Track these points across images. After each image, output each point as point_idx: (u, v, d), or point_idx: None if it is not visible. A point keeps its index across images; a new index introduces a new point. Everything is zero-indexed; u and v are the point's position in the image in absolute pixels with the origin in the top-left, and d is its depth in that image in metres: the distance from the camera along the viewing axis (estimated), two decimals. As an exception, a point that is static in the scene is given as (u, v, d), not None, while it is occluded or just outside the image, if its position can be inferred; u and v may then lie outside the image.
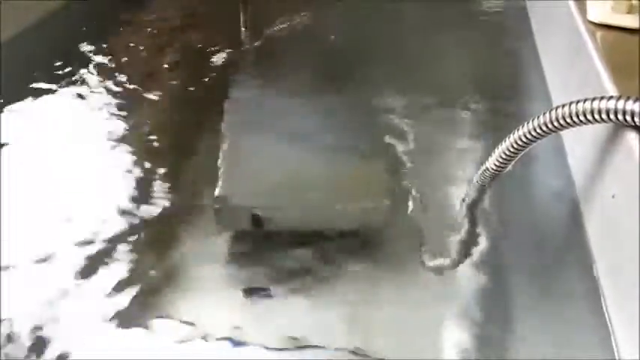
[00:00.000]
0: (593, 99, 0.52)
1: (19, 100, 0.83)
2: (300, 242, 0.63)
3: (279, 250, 0.62)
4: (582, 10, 0.75)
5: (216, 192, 0.68)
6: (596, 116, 0.51)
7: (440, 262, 0.61)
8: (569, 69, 0.75)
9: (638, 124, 0.49)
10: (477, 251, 0.62)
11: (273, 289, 0.58)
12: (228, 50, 0.97)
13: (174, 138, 0.79)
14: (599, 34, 0.70)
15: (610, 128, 0.55)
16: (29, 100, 0.84)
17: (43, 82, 0.87)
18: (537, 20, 1.02)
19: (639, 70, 0.61)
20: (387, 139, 0.78)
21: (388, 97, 0.85)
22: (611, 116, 0.50)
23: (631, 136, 0.52)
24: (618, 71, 0.62)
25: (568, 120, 0.54)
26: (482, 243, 0.63)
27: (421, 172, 0.72)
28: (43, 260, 0.60)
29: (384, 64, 0.95)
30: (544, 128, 0.56)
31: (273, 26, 1.04)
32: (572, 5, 0.77)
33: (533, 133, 0.57)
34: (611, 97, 0.51)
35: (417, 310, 0.56)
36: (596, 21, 0.72)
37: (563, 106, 0.54)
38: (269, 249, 0.62)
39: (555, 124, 0.55)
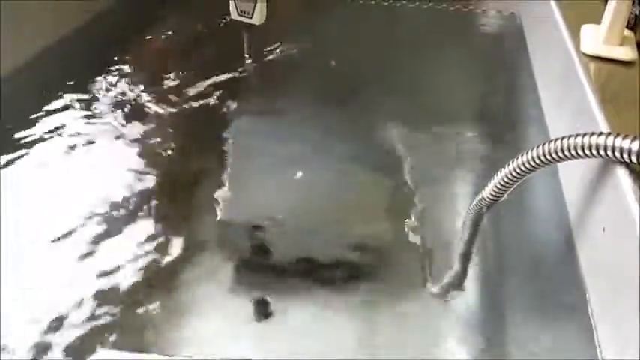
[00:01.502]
0: (584, 134, 0.53)
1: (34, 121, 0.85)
2: (303, 264, 0.64)
3: (282, 272, 0.64)
4: (576, 42, 0.77)
5: (219, 215, 0.70)
6: (587, 152, 0.53)
7: (437, 286, 0.63)
8: (563, 98, 0.77)
9: (627, 160, 0.51)
10: (473, 278, 0.63)
11: (275, 310, 0.59)
12: (230, 75, 0.99)
13: (177, 161, 0.80)
14: (592, 65, 0.72)
15: (602, 163, 0.57)
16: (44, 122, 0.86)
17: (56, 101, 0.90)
18: (534, 46, 1.04)
19: (639, 103, 0.63)
20: (388, 163, 0.79)
21: (388, 124, 0.87)
22: (601, 152, 0.52)
23: (621, 172, 0.53)
24: (610, 103, 0.64)
25: (560, 154, 0.55)
26: (479, 270, 0.64)
27: (420, 199, 0.74)
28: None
29: (384, 91, 0.97)
30: (537, 161, 0.58)
31: (275, 51, 1.06)
32: (567, 36, 0.79)
33: (527, 166, 0.59)
34: (601, 134, 0.52)
35: (416, 332, 0.58)
36: (589, 53, 0.74)
37: (557, 140, 0.56)
38: (272, 271, 0.64)
39: (548, 157, 0.56)
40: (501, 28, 1.18)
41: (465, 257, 0.66)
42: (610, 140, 0.51)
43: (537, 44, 1.02)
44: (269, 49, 1.07)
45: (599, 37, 0.74)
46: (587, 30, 0.78)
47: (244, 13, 0.94)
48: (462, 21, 1.21)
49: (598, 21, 0.77)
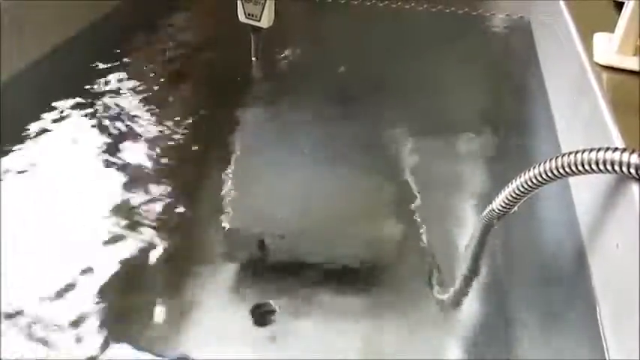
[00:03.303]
0: (599, 149, 0.53)
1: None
2: (309, 271, 0.64)
3: (287, 279, 0.63)
4: (589, 51, 0.76)
5: (224, 220, 0.69)
6: (601, 167, 0.52)
7: (445, 296, 0.62)
8: (575, 108, 0.76)
9: (640, 177, 0.50)
10: (483, 289, 0.63)
11: (279, 317, 0.59)
12: (237, 79, 0.99)
13: (182, 166, 0.80)
14: (605, 75, 0.71)
15: (615, 179, 0.56)
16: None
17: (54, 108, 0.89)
18: (544, 51, 1.03)
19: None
20: (396, 170, 0.79)
21: (394, 128, 0.87)
22: (616, 168, 0.51)
23: (634, 188, 0.53)
24: (624, 115, 0.63)
25: (573, 168, 0.54)
26: (487, 282, 0.64)
27: (429, 206, 0.73)
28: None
29: (393, 96, 0.96)
30: (549, 174, 0.57)
31: (283, 56, 1.05)
32: (579, 45, 0.78)
33: (539, 179, 0.58)
34: (616, 149, 0.51)
35: (422, 342, 0.57)
36: (602, 62, 0.73)
37: (569, 154, 0.55)
38: (277, 277, 0.64)
39: (561, 171, 0.56)
40: (511, 32, 1.17)
41: (473, 268, 0.66)
42: (625, 156, 0.51)
43: (547, 49, 1.01)
44: (276, 51, 1.06)
45: (612, 47, 0.73)
46: (600, 38, 0.77)
47: (252, 16, 0.94)
48: (471, 24, 1.20)
49: (609, 24, 0.76)
